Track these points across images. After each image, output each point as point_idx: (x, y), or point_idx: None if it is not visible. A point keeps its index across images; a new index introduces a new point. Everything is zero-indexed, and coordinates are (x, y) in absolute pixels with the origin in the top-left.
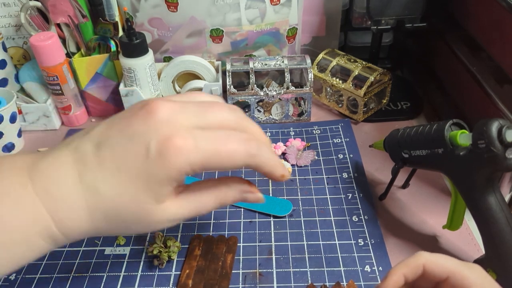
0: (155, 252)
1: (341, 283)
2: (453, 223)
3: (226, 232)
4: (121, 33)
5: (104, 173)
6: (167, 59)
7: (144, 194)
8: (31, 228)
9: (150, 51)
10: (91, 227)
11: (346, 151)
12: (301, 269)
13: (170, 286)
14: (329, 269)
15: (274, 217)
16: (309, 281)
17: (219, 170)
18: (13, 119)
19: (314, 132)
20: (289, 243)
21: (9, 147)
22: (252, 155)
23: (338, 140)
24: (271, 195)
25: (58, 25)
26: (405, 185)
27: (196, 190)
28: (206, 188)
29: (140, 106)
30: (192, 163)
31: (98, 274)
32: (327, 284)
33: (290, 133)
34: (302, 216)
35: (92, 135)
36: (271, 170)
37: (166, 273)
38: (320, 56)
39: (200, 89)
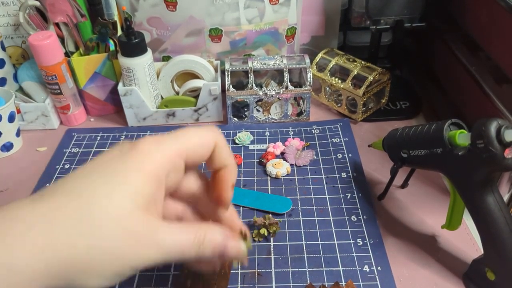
0: None
1: (340, 283)
2: (452, 223)
3: None
4: (119, 32)
5: (70, 180)
6: (166, 59)
7: (118, 192)
8: None
9: (149, 51)
10: (52, 251)
11: (345, 151)
12: (300, 269)
13: (169, 286)
14: (328, 269)
15: (274, 216)
16: (308, 281)
17: (195, 155)
18: (11, 119)
19: (313, 132)
20: (287, 243)
21: (7, 147)
22: (217, 132)
23: (337, 140)
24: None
25: (57, 25)
26: (404, 185)
27: (176, 223)
28: (185, 223)
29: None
30: (165, 147)
31: None
32: (326, 284)
33: (289, 132)
34: (301, 216)
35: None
36: (230, 165)
37: (165, 273)
38: (319, 55)
39: (199, 89)
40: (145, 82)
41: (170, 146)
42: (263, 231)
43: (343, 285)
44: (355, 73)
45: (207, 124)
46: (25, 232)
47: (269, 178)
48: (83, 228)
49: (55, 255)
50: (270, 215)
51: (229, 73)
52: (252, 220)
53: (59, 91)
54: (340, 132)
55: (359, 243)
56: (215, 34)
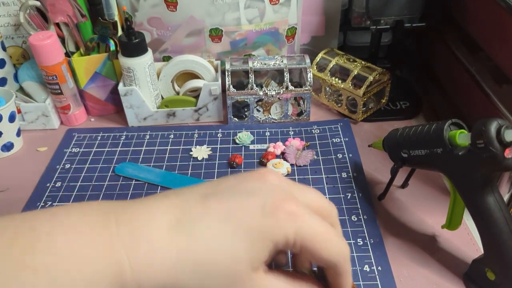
0: None
1: None
2: (452, 222)
3: None
4: (120, 32)
5: (209, 222)
6: (166, 59)
7: (245, 253)
8: (101, 272)
9: (149, 51)
10: (171, 279)
11: (345, 151)
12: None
13: None
14: None
15: None
16: None
17: (308, 257)
18: (12, 119)
19: (313, 132)
20: None
21: (8, 147)
22: (346, 258)
23: (337, 140)
24: None
25: (57, 25)
26: (404, 185)
27: (279, 277)
28: (288, 280)
29: (250, 172)
30: (298, 234)
31: None
32: None
33: (290, 132)
34: None
35: (197, 188)
36: (348, 282)
37: None
38: (319, 55)
39: (200, 89)
40: (145, 82)
41: (303, 236)
42: None
43: None
44: (355, 73)
45: (207, 125)
46: (159, 262)
47: None
48: (201, 279)
49: (170, 285)
50: None
51: (229, 73)
52: None
53: (59, 91)
54: (340, 132)
55: (359, 243)
56: (216, 34)
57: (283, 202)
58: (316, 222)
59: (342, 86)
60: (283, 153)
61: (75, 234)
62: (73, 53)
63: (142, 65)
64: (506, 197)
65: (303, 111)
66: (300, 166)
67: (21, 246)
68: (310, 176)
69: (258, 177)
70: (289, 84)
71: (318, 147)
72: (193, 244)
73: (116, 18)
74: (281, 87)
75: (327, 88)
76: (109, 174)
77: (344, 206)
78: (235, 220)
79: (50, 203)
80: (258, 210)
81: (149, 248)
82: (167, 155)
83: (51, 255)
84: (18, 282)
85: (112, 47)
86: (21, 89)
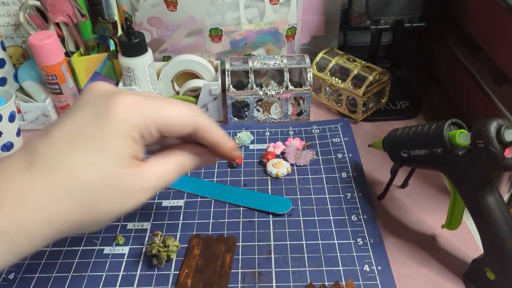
0: (154, 252)
1: (340, 283)
2: (452, 222)
3: (225, 232)
4: (120, 32)
5: (54, 148)
6: (166, 59)
7: (102, 158)
8: None
9: (149, 51)
10: (56, 217)
11: (345, 151)
12: (300, 269)
13: (169, 285)
14: (328, 268)
15: (274, 215)
16: (308, 281)
17: (169, 134)
18: (12, 118)
19: (313, 132)
20: (288, 242)
21: (8, 146)
22: (199, 115)
23: (337, 140)
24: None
25: (57, 24)
26: (404, 185)
27: (157, 157)
28: (165, 155)
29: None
30: (145, 118)
31: (97, 273)
32: (326, 283)
33: (289, 132)
34: (301, 216)
35: (40, 131)
36: (219, 141)
37: (165, 272)
38: (319, 55)
39: (199, 89)
40: (145, 82)
41: (149, 116)
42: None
43: (343, 284)
44: (355, 73)
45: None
46: (30, 203)
47: (269, 178)
48: (80, 200)
49: (58, 220)
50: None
51: (229, 73)
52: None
53: (59, 90)
54: (340, 132)
55: (359, 242)
56: (215, 34)
57: (113, 99)
58: (154, 99)
59: (342, 86)
60: (283, 153)
61: None
62: (73, 53)
63: (142, 65)
64: (506, 197)
65: (303, 111)
66: (300, 166)
67: None
68: (310, 176)
69: (85, 91)
70: (289, 84)
71: (318, 147)
72: (53, 173)
73: (116, 18)
74: (281, 87)
75: (327, 88)
76: None
77: (344, 206)
78: (77, 136)
79: None
80: (94, 119)
81: (15, 195)
82: None
83: None
84: None
85: (112, 47)
86: (21, 89)
